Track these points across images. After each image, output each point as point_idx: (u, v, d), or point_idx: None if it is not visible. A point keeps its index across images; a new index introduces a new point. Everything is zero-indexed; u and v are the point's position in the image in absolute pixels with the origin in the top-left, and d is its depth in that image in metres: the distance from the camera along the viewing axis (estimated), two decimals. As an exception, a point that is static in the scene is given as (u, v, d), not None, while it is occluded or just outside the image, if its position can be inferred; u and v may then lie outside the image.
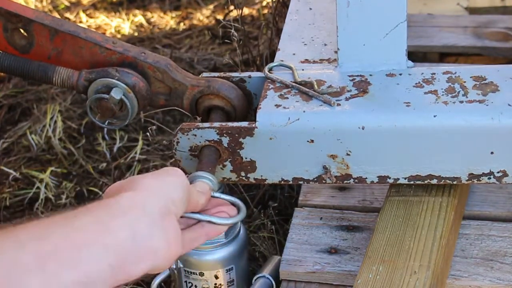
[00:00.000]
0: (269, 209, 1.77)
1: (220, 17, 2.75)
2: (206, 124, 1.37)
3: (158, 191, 0.94)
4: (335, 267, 1.43)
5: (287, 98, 1.40)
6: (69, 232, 0.81)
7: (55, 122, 2.25)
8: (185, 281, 1.46)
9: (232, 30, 1.78)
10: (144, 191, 0.93)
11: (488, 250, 1.42)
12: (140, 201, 0.90)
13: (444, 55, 2.02)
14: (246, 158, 1.39)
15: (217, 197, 1.15)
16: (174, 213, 0.95)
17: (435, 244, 1.32)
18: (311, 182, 1.41)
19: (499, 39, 2.00)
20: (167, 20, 2.88)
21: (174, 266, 1.45)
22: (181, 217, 1.06)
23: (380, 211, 1.42)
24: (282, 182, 1.42)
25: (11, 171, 2.11)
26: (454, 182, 1.37)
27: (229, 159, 1.39)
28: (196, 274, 1.44)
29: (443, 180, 1.37)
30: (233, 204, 1.16)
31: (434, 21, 2.11)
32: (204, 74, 1.50)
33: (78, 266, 0.80)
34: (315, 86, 1.40)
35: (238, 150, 1.38)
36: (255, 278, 1.47)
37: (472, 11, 2.20)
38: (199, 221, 1.08)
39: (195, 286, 1.45)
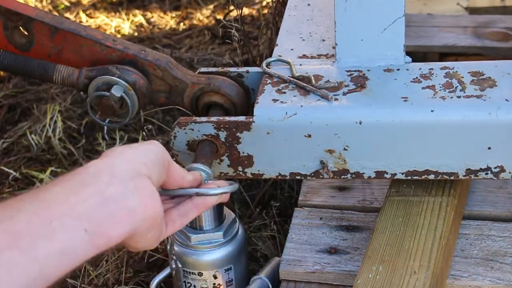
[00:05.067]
0: (270, 209, 1.77)
1: (220, 17, 2.75)
2: (204, 119, 1.37)
3: (127, 156, 0.94)
4: (335, 267, 1.43)
5: (284, 92, 1.40)
6: (38, 206, 0.82)
7: (55, 122, 2.24)
8: (184, 281, 1.46)
9: (233, 31, 1.78)
10: (112, 157, 0.93)
11: (488, 250, 1.42)
12: (107, 166, 0.91)
13: (444, 55, 2.02)
14: (243, 153, 1.39)
15: (211, 183, 1.15)
16: (146, 175, 0.94)
17: (435, 244, 1.32)
18: (308, 177, 1.41)
19: (499, 39, 2.00)
20: (167, 20, 2.88)
21: (174, 266, 1.44)
22: (170, 194, 1.06)
23: (380, 211, 1.42)
24: (280, 177, 1.42)
25: (11, 171, 2.10)
26: (452, 178, 1.37)
27: (226, 154, 1.39)
28: (195, 274, 1.44)
29: (440, 176, 1.37)
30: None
31: (434, 21, 2.11)
32: (202, 69, 1.50)
33: (52, 237, 0.80)
34: (313, 81, 1.40)
35: (236, 145, 1.38)
36: (252, 279, 1.47)
37: (472, 11, 2.20)
38: (189, 196, 1.08)
39: (194, 286, 1.45)
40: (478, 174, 1.36)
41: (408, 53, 1.46)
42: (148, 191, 0.93)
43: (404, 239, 1.34)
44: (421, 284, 1.25)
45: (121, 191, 0.89)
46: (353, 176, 1.39)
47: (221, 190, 1.11)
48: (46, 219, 0.81)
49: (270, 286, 1.46)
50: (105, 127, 2.22)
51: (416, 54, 1.99)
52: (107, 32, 2.79)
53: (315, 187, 1.64)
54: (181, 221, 1.06)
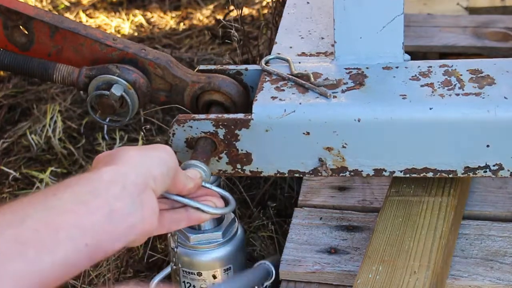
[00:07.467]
0: (268, 209, 1.77)
1: (220, 17, 2.75)
2: (202, 116, 1.37)
3: (139, 166, 0.94)
4: (335, 267, 1.43)
5: (283, 90, 1.39)
6: (47, 214, 0.82)
7: (55, 122, 2.24)
8: (184, 281, 1.46)
9: (233, 31, 1.78)
10: (126, 165, 0.93)
11: (488, 250, 1.42)
12: (120, 177, 0.91)
13: (444, 55, 2.02)
14: (242, 150, 1.39)
15: (208, 188, 1.14)
16: (153, 188, 0.95)
17: (434, 244, 1.32)
18: (307, 175, 1.41)
19: (499, 39, 2.00)
20: (167, 20, 2.88)
21: (174, 266, 1.44)
22: (168, 198, 1.06)
23: (380, 211, 1.42)
24: (278, 174, 1.41)
25: (11, 171, 2.10)
26: (450, 176, 1.37)
27: (225, 151, 1.39)
28: (194, 274, 1.44)
29: (439, 174, 1.37)
30: (222, 197, 1.15)
31: (434, 21, 2.11)
32: (201, 67, 1.50)
33: (57, 250, 0.80)
34: (312, 78, 1.40)
35: (234, 142, 1.38)
36: (256, 264, 1.46)
37: (472, 11, 2.20)
38: (185, 205, 1.07)
39: (193, 286, 1.45)
40: (476, 172, 1.36)
41: (408, 53, 1.46)
42: (151, 207, 0.94)
43: (404, 239, 1.34)
44: (421, 284, 1.25)
45: (128, 206, 0.89)
46: (352, 174, 1.39)
47: (220, 211, 1.11)
48: (53, 228, 0.81)
49: (274, 271, 1.45)
50: (105, 127, 2.22)
51: (416, 54, 1.99)
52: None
53: (315, 187, 1.64)
54: (170, 227, 1.07)
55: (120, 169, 0.92)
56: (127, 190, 0.90)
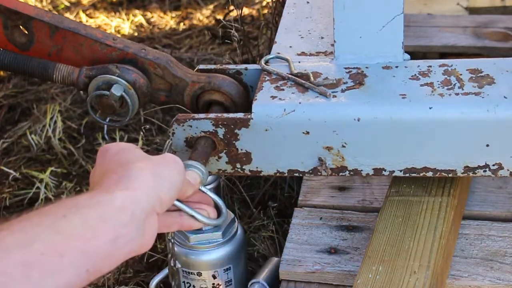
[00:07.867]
0: (269, 209, 1.77)
1: (220, 17, 2.75)
2: (202, 115, 1.37)
3: (151, 191, 0.94)
4: (335, 267, 1.43)
5: (283, 89, 1.39)
6: (55, 237, 0.83)
7: (55, 122, 2.24)
8: (183, 281, 1.46)
9: (233, 31, 1.78)
10: (138, 190, 0.93)
11: (487, 250, 1.42)
12: (131, 203, 0.91)
13: (444, 55, 2.02)
14: (241, 150, 1.39)
15: (203, 192, 1.14)
16: (158, 212, 0.96)
17: (434, 244, 1.32)
18: (306, 174, 1.40)
19: (499, 39, 2.00)
20: (167, 20, 2.88)
21: (173, 265, 1.44)
22: None
23: (380, 211, 1.42)
24: (278, 174, 1.41)
25: (11, 171, 2.10)
26: (450, 175, 1.37)
27: (224, 151, 1.39)
28: (194, 274, 1.44)
29: (438, 173, 1.37)
30: (216, 204, 1.16)
31: (434, 21, 2.11)
32: (201, 66, 1.50)
33: (60, 274, 0.82)
34: (311, 78, 1.40)
35: (234, 142, 1.38)
36: (250, 283, 1.46)
37: (472, 11, 2.20)
38: (180, 210, 1.08)
39: (193, 286, 1.45)
40: (476, 172, 1.36)
41: (408, 53, 1.46)
42: (152, 231, 0.95)
43: (404, 239, 1.34)
44: (421, 284, 1.25)
45: (133, 233, 0.90)
46: (351, 173, 1.39)
47: (212, 222, 1.11)
48: (59, 253, 0.82)
49: None
50: (105, 127, 2.22)
51: (416, 54, 1.99)
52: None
53: (315, 187, 1.64)
54: (161, 229, 1.07)
55: (131, 195, 0.92)
56: (135, 217, 0.91)
